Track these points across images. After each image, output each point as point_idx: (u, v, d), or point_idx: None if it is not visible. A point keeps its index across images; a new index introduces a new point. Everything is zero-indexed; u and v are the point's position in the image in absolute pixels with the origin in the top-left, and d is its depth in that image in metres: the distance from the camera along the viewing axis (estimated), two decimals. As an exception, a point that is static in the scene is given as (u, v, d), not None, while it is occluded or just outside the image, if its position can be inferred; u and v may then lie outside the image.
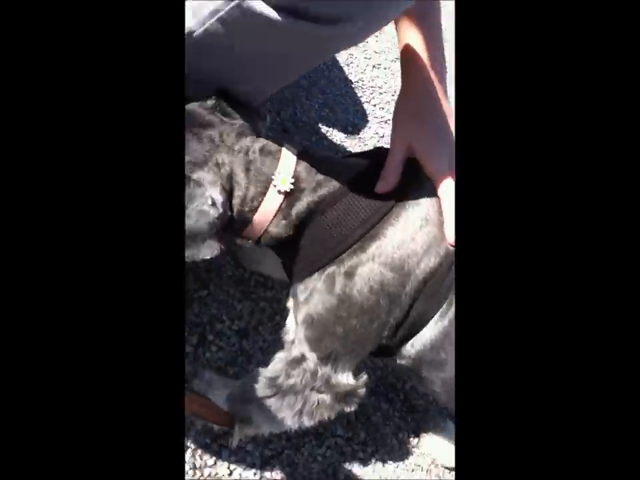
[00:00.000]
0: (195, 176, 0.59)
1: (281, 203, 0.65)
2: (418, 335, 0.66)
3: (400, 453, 0.98)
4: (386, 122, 1.52)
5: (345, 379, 0.67)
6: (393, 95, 1.56)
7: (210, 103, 0.67)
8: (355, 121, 1.46)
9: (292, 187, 0.64)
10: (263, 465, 0.81)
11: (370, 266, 0.63)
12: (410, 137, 0.70)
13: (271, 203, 0.64)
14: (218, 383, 0.82)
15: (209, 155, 0.61)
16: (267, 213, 0.65)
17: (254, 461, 0.81)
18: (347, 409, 0.69)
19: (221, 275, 1.02)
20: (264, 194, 0.64)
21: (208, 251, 0.59)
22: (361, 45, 1.62)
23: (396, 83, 1.62)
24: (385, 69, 1.63)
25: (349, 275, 0.63)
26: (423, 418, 1.06)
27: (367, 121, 1.50)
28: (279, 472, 0.82)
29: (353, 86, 1.51)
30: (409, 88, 0.75)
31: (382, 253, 0.63)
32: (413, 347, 0.67)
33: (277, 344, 0.76)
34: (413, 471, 0.94)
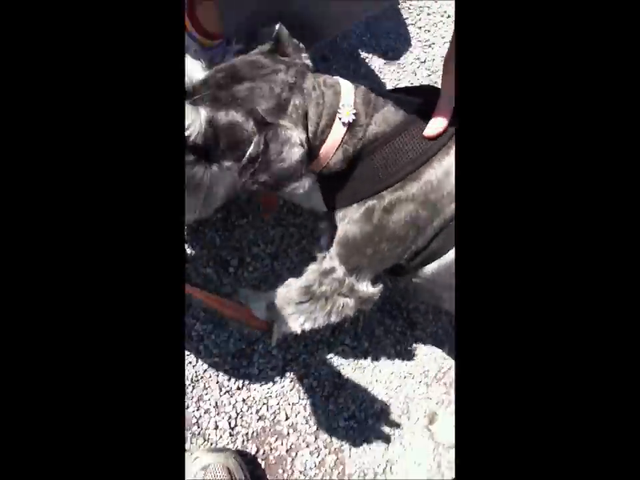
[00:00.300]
0: (282, 122, 0.68)
1: (344, 136, 0.73)
2: (435, 261, 0.78)
3: (396, 362, 1.20)
4: (430, 45, 1.49)
5: (366, 287, 0.82)
6: (442, 16, 1.50)
7: (267, 47, 0.74)
8: (396, 44, 1.44)
9: (354, 117, 0.72)
10: (284, 366, 1.04)
11: (407, 204, 0.73)
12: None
13: (336, 135, 0.73)
14: (254, 296, 1.00)
15: (288, 99, 0.69)
16: (332, 146, 0.73)
17: (277, 362, 1.04)
18: (365, 309, 0.86)
19: (258, 205, 1.16)
20: (330, 126, 0.72)
21: (306, 183, 0.71)
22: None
23: (446, 2, 1.54)
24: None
25: (387, 210, 0.74)
26: (421, 335, 1.27)
27: (410, 45, 1.47)
28: (296, 372, 1.06)
29: (400, 6, 1.45)
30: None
31: (420, 194, 0.72)
32: (430, 270, 0.80)
33: (303, 265, 0.89)
34: (404, 377, 1.18)
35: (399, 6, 1.45)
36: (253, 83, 0.68)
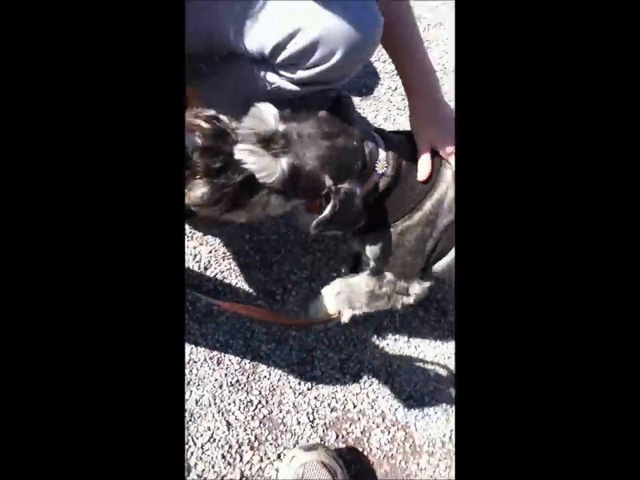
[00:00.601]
0: (348, 182, 0.84)
1: (378, 181, 0.92)
2: (443, 258, 1.02)
3: (437, 345, 1.37)
4: (396, 74, 1.74)
5: (417, 287, 1.04)
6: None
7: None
8: (367, 82, 1.69)
9: (386, 169, 0.92)
10: (341, 365, 1.23)
11: (415, 228, 0.96)
12: (431, 138, 0.96)
13: (372, 182, 0.91)
14: (319, 302, 1.17)
15: (354, 162, 0.86)
16: (368, 190, 0.92)
17: (335, 363, 1.23)
18: (418, 301, 1.08)
19: (289, 239, 1.39)
20: (371, 175, 0.92)
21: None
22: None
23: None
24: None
25: (402, 234, 0.97)
26: (453, 320, 1.43)
27: (379, 78, 1.72)
28: (352, 368, 1.24)
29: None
30: (419, 96, 0.99)
31: (422, 219, 0.96)
32: (440, 265, 1.03)
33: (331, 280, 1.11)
34: (448, 357, 1.34)
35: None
36: (330, 142, 0.82)
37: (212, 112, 0.77)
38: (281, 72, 0.91)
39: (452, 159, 0.95)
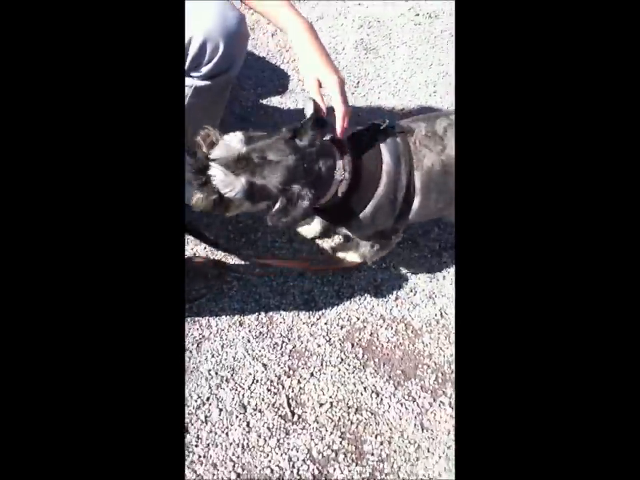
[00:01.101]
0: (294, 186, 1.08)
1: (338, 185, 1.19)
2: (412, 207, 1.30)
3: (407, 264, 1.64)
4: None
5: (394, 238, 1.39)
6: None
7: (287, 134, 1.10)
8: (281, 82, 2.02)
9: (344, 175, 1.17)
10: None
11: (381, 205, 1.24)
12: (314, 75, 1.10)
13: (334, 186, 1.18)
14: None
15: (299, 172, 1.09)
16: (331, 192, 1.19)
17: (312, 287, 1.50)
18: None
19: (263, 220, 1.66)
20: (331, 182, 1.18)
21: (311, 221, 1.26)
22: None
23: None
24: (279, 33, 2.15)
25: (372, 215, 1.24)
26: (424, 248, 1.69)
27: (289, 76, 2.05)
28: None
29: (272, 61, 2.05)
30: (306, 47, 1.13)
31: (384, 191, 1.23)
32: (412, 212, 1.31)
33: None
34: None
35: (272, 61, 2.04)
36: (277, 159, 1.07)
37: (207, 130, 1.07)
38: (192, 74, 1.26)
39: (336, 90, 1.15)
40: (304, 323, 1.45)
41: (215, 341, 1.39)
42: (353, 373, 1.37)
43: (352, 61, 2.15)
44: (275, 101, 1.96)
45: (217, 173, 1.05)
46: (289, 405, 1.31)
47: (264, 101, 1.95)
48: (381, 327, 1.46)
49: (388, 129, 1.24)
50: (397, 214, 1.29)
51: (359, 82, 2.09)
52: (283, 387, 1.34)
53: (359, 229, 1.32)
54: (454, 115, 1.27)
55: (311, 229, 1.60)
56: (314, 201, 1.14)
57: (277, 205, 1.11)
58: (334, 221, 1.36)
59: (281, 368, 1.37)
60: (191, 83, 1.27)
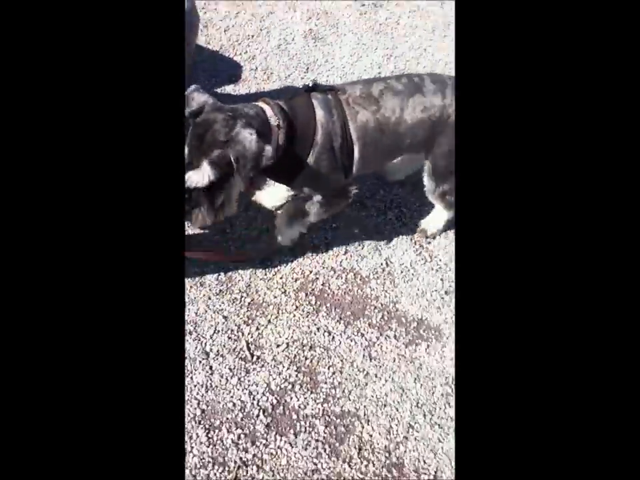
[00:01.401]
0: (237, 129, 1.25)
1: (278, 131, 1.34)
2: (353, 157, 1.43)
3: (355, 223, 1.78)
4: (252, 58, 2.22)
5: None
6: (248, 39, 2.25)
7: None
8: (234, 72, 2.17)
9: (278, 121, 1.32)
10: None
11: (322, 153, 1.37)
12: None
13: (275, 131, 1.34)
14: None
15: (234, 124, 1.25)
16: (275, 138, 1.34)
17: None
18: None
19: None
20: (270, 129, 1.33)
21: (269, 153, 1.31)
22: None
23: (244, 32, 2.31)
24: (238, 26, 2.31)
25: (316, 162, 1.37)
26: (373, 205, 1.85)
27: (241, 66, 2.20)
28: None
29: (225, 54, 2.21)
30: None
31: (322, 140, 1.36)
32: (355, 162, 1.44)
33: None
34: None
35: (224, 53, 2.20)
36: (213, 128, 1.24)
37: None
38: None
39: None
40: (261, 279, 1.58)
41: (179, 299, 1.51)
42: (307, 317, 1.50)
43: (301, 49, 2.31)
44: (228, 89, 2.11)
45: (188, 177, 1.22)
46: (249, 349, 1.43)
47: (218, 89, 2.10)
48: (332, 277, 1.59)
49: (318, 88, 1.38)
50: (341, 165, 1.41)
51: (308, 68, 2.24)
52: (243, 334, 1.46)
53: (310, 180, 1.42)
54: (391, 80, 1.42)
55: (273, 196, 1.72)
56: (262, 143, 1.25)
57: (231, 155, 1.21)
58: (284, 178, 1.47)
59: (240, 318, 1.49)
60: None
